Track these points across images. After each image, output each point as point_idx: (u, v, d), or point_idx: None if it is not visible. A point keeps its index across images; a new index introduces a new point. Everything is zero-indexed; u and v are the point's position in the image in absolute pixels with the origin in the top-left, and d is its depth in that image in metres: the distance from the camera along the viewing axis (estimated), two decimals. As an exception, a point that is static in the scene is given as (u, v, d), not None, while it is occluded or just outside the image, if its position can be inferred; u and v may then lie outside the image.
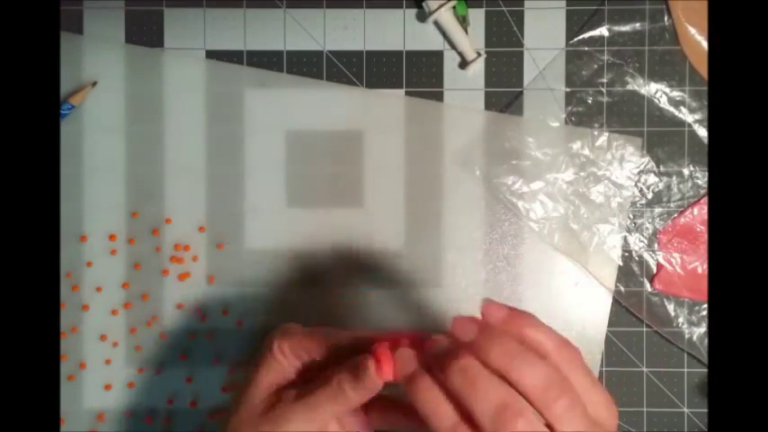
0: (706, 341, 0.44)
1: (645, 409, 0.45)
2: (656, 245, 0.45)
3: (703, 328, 0.45)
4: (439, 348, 0.30)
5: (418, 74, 0.45)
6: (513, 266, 0.45)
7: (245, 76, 0.45)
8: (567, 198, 0.45)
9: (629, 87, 0.45)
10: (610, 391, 0.45)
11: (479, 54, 0.45)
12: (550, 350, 0.29)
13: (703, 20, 0.44)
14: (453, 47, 0.45)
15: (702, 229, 0.45)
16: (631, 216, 0.45)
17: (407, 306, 0.45)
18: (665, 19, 0.45)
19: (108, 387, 0.45)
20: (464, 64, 0.45)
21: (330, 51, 0.45)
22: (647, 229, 0.45)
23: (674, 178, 0.45)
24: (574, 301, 0.45)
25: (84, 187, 0.45)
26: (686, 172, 0.45)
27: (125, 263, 0.45)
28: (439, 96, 0.45)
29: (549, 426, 0.27)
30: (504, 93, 0.45)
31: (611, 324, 0.45)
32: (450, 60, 0.45)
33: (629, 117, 0.45)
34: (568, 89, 0.45)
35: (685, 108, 0.45)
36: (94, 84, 0.45)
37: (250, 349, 0.45)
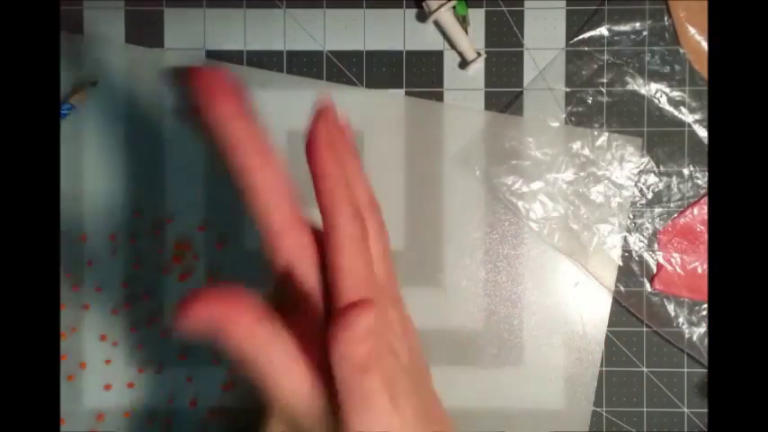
0: (706, 341, 0.44)
1: (645, 409, 0.45)
2: (656, 245, 0.45)
3: (703, 328, 0.45)
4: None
5: (418, 74, 0.45)
6: (513, 266, 0.45)
7: (245, 76, 0.45)
8: (567, 198, 0.45)
9: (629, 87, 0.45)
10: (610, 391, 0.45)
11: (479, 54, 0.45)
12: None
13: (703, 20, 0.44)
14: (453, 47, 0.45)
15: (702, 229, 0.45)
16: (631, 216, 0.45)
17: (407, 306, 0.45)
18: (665, 19, 0.45)
19: (108, 387, 0.45)
20: (464, 64, 0.45)
21: (330, 51, 0.45)
22: (647, 229, 0.45)
23: (674, 178, 0.45)
24: (574, 301, 0.45)
25: (84, 187, 0.45)
26: (686, 172, 0.45)
27: (125, 263, 0.45)
28: (439, 96, 0.45)
29: None
30: (504, 93, 0.45)
31: (611, 324, 0.45)
32: (451, 60, 0.45)
33: (629, 117, 0.45)
34: (568, 89, 0.45)
35: (685, 108, 0.45)
36: (94, 84, 0.45)
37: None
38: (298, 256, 0.28)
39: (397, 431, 0.26)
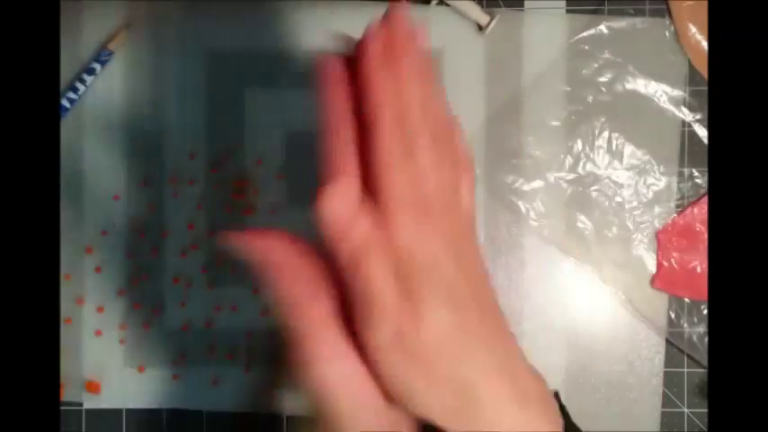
0: (706, 341, 0.44)
1: (645, 409, 0.45)
2: (656, 244, 0.45)
3: (703, 328, 0.45)
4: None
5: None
6: (513, 265, 0.45)
7: (246, 76, 0.45)
8: (568, 198, 0.45)
9: (629, 87, 0.45)
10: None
11: (492, 16, 0.44)
12: None
13: (704, 19, 0.44)
14: (465, 17, 0.45)
15: (702, 228, 0.45)
16: (631, 216, 0.45)
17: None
18: (666, 18, 0.45)
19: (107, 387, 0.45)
20: (480, 29, 0.45)
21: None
22: (647, 228, 0.45)
23: (674, 178, 0.45)
24: (575, 300, 0.45)
25: (84, 186, 0.45)
26: (686, 172, 0.45)
27: (188, 205, 0.45)
28: (439, 96, 0.45)
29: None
30: (504, 92, 0.45)
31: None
32: (450, 60, 0.45)
33: (629, 117, 0.45)
34: (568, 88, 0.45)
35: (685, 108, 0.45)
36: (128, 26, 0.45)
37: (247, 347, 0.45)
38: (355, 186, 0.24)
39: (410, 333, 0.23)
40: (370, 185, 0.24)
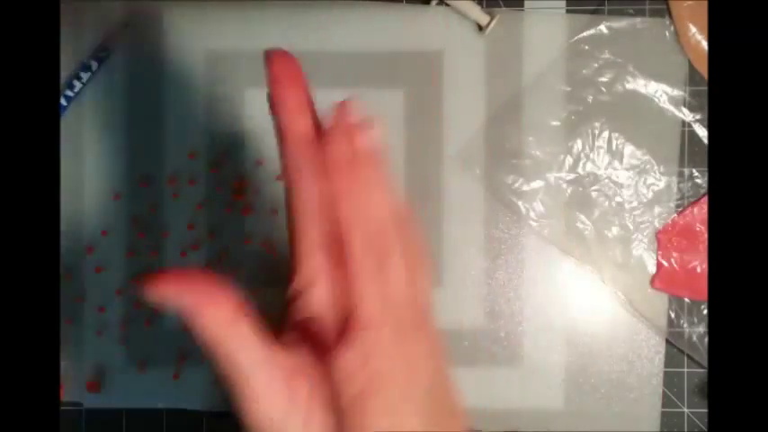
0: (706, 341, 0.44)
1: (645, 409, 0.45)
2: (656, 244, 0.45)
3: (703, 328, 0.45)
4: None
5: (418, 73, 0.45)
6: (513, 265, 0.45)
7: (246, 76, 0.45)
8: (567, 197, 0.45)
9: (629, 87, 0.45)
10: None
11: (492, 16, 0.44)
12: None
13: (704, 19, 0.44)
14: (465, 17, 0.45)
15: (702, 228, 0.45)
16: (631, 216, 0.45)
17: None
18: (665, 18, 0.45)
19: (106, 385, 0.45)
20: (481, 29, 0.45)
21: (331, 51, 0.45)
22: (647, 228, 0.45)
23: (674, 178, 0.45)
24: (574, 300, 0.45)
25: (83, 185, 0.45)
26: (686, 172, 0.45)
27: (187, 205, 0.45)
28: (439, 96, 0.45)
29: None
30: (504, 92, 0.45)
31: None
32: (450, 60, 0.45)
33: (629, 117, 0.45)
34: (568, 89, 0.45)
35: (685, 108, 0.45)
36: (127, 25, 0.45)
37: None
38: (315, 280, 0.26)
39: None
40: (341, 291, 0.24)
